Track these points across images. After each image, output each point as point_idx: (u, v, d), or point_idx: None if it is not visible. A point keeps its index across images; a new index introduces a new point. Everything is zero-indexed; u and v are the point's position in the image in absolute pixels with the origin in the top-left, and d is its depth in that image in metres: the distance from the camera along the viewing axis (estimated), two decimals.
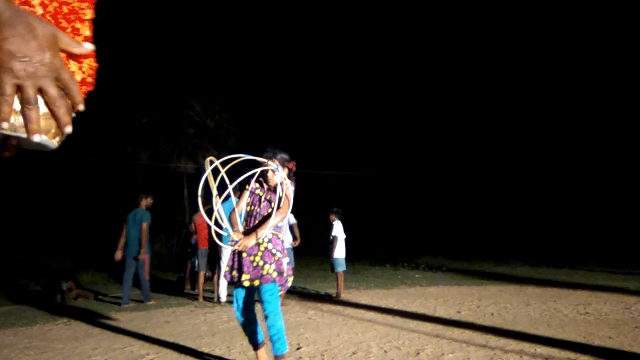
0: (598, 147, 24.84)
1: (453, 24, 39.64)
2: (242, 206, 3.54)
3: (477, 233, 20.74)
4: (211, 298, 7.59)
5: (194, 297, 7.89)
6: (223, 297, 7.21)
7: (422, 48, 38.56)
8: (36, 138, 0.61)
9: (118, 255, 7.41)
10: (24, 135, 0.61)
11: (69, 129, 0.64)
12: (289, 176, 3.50)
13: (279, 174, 3.40)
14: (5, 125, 0.59)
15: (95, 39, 0.71)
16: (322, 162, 26.18)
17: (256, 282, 3.29)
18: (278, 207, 3.37)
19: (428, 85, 33.13)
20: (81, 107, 0.65)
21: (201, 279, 7.83)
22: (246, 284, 3.30)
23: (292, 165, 3.56)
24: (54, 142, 0.65)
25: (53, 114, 0.63)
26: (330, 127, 31.01)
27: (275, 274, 3.28)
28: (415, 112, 32.09)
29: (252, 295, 3.47)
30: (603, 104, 26.20)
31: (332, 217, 7.83)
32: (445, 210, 25.16)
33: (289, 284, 3.41)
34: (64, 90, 0.63)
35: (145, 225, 7.27)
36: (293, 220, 7.33)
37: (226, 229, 3.32)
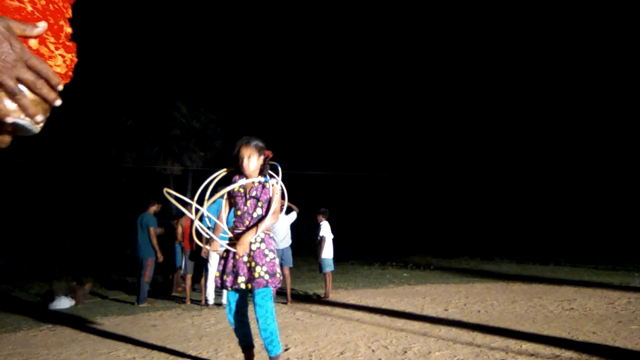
0: (581, 144, 25.19)
1: (451, 22, 39.84)
2: (225, 209, 3.53)
3: (464, 231, 20.91)
4: (198, 301, 7.54)
5: (181, 300, 7.83)
6: (210, 299, 7.18)
7: (407, 44, 38.77)
8: (39, 118, 0.66)
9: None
10: (24, 122, 0.66)
11: (58, 102, 0.68)
12: (264, 164, 3.42)
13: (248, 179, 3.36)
14: (9, 120, 0.64)
15: (81, 41, 0.74)
16: (310, 163, 26.19)
17: (249, 285, 3.27)
18: (269, 209, 3.34)
19: (414, 86, 33.32)
20: (60, 87, 0.68)
21: (188, 282, 7.78)
22: (242, 286, 3.27)
23: (268, 153, 3.44)
24: (37, 127, 0.69)
25: (38, 95, 0.66)
26: (318, 127, 31.02)
27: (267, 276, 3.23)
28: (402, 112, 32.26)
29: (245, 299, 3.45)
30: (582, 104, 26.58)
31: (320, 217, 7.83)
32: (433, 209, 25.33)
33: (279, 284, 3.39)
34: (37, 73, 0.66)
35: (152, 230, 7.57)
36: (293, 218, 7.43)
37: (224, 230, 3.32)
